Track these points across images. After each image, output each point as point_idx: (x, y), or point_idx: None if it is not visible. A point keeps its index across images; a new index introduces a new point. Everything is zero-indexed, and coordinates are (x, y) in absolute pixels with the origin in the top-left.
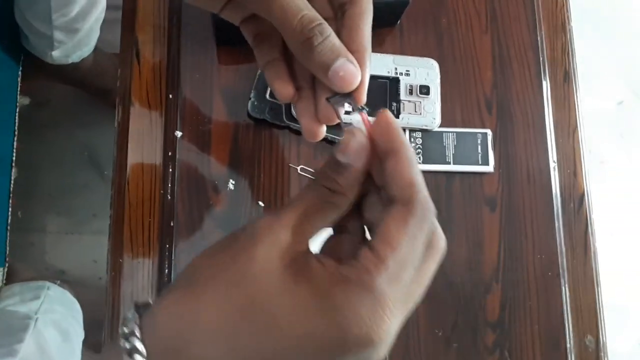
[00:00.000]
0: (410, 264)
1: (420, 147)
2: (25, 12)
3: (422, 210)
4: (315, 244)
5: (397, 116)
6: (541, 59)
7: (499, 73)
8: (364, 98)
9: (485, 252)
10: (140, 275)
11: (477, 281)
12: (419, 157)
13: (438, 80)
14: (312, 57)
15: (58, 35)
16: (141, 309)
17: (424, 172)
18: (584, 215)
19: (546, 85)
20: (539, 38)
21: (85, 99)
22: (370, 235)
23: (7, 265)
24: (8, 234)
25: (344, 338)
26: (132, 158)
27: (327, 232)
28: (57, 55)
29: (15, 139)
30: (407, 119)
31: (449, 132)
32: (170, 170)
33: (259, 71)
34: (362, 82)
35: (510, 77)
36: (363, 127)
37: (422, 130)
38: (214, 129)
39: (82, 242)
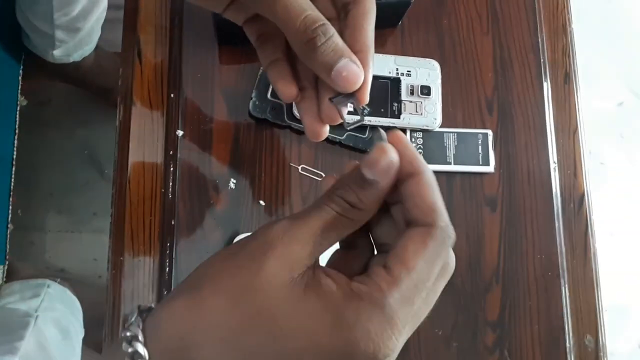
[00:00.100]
0: (424, 287)
1: (421, 147)
2: (27, 11)
3: (443, 236)
4: (321, 257)
5: (398, 116)
6: (542, 60)
7: (500, 74)
8: (366, 98)
9: (486, 252)
10: (141, 273)
11: (477, 281)
12: None
13: (439, 81)
14: (315, 58)
15: (59, 34)
16: (144, 313)
17: None
18: (584, 215)
19: (547, 87)
20: (539, 40)
21: (86, 98)
22: (378, 253)
23: (7, 263)
24: (8, 232)
25: (350, 353)
26: (133, 157)
27: (333, 246)
28: (58, 54)
29: (16, 137)
30: (408, 119)
31: (449, 132)
32: (172, 169)
33: (261, 71)
34: (365, 82)
35: (511, 78)
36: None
37: (423, 131)
38: (216, 128)
39: (82, 241)
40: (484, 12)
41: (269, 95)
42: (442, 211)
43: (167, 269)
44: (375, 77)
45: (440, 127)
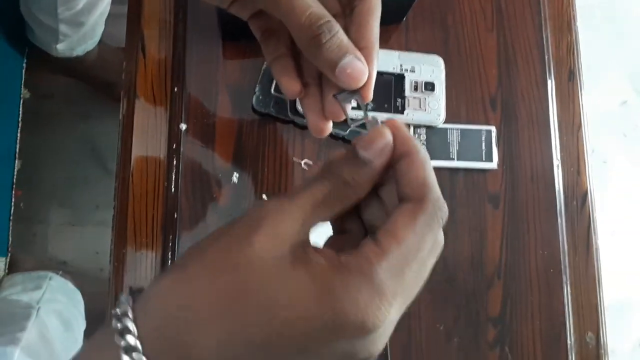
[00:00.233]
0: (415, 260)
1: (425, 143)
2: (31, 5)
3: (434, 209)
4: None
5: (401, 112)
6: (546, 57)
7: (504, 71)
8: (370, 95)
9: (488, 248)
10: (143, 266)
11: (479, 276)
12: None
13: (443, 77)
14: (320, 54)
15: (63, 28)
16: (135, 293)
17: None
18: (587, 213)
19: (551, 84)
20: (544, 37)
21: (89, 92)
22: (371, 236)
23: (9, 255)
24: (11, 224)
25: (339, 323)
26: (137, 151)
27: (327, 233)
28: (61, 48)
29: (19, 130)
30: (412, 115)
31: (453, 128)
32: (175, 163)
33: (264, 66)
34: (369, 79)
35: (515, 75)
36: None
37: (427, 127)
38: (219, 122)
39: (85, 234)
40: (489, 9)
41: (272, 90)
42: (433, 186)
43: (170, 262)
44: (379, 73)
45: (444, 123)
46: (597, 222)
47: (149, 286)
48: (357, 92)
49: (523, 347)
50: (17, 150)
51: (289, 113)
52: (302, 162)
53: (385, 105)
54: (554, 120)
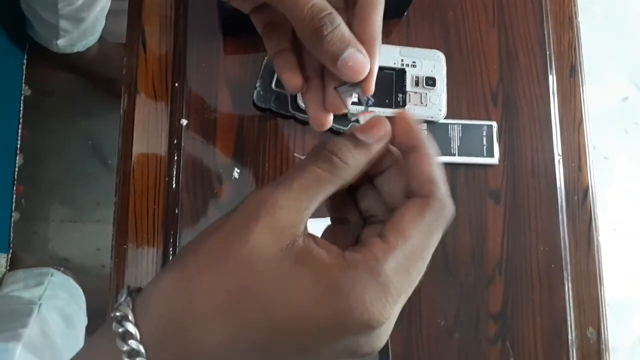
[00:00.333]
0: (420, 257)
1: None
2: (31, 1)
3: (441, 206)
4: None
5: (402, 107)
6: (548, 53)
7: (505, 66)
8: (372, 88)
9: (489, 243)
10: (144, 262)
11: (480, 272)
12: None
13: (444, 72)
14: (322, 47)
15: (64, 24)
16: (133, 293)
17: None
18: (588, 208)
19: (552, 79)
20: (545, 32)
21: (90, 89)
22: (368, 225)
23: (10, 252)
24: (12, 221)
25: (344, 322)
26: (137, 146)
27: (325, 224)
28: (62, 44)
29: (20, 127)
30: (413, 110)
31: (454, 123)
32: (176, 158)
33: (265, 61)
34: (370, 72)
35: (517, 70)
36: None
37: (428, 122)
38: (220, 118)
39: (86, 231)
40: (490, 4)
41: (273, 85)
42: (440, 183)
43: (171, 257)
44: (380, 68)
45: (445, 118)
46: (599, 218)
47: (147, 285)
48: (358, 85)
49: (524, 343)
50: (18, 146)
51: (290, 108)
52: (303, 158)
53: (387, 101)
54: (555, 116)
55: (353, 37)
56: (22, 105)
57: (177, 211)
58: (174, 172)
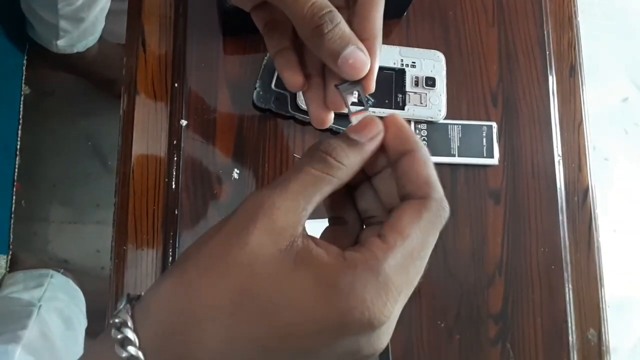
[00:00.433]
0: (419, 257)
1: (425, 139)
2: (31, 1)
3: (437, 208)
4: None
5: (402, 108)
6: (547, 53)
7: (505, 66)
8: (372, 86)
9: (489, 244)
10: (144, 263)
11: (480, 273)
12: None
13: (444, 73)
14: (322, 45)
15: (63, 24)
16: (133, 300)
17: None
18: (588, 209)
19: (552, 80)
20: (545, 32)
21: (90, 89)
22: (367, 226)
23: (10, 253)
24: (12, 222)
25: (345, 322)
26: (137, 146)
27: (323, 225)
28: (62, 44)
29: (20, 127)
30: (413, 110)
31: (454, 124)
32: (175, 159)
33: (265, 61)
34: (371, 70)
35: (517, 70)
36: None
37: (428, 122)
38: (219, 118)
39: (85, 232)
40: (490, 4)
41: (273, 86)
42: (436, 185)
43: (170, 258)
44: (379, 68)
45: (445, 119)
46: (599, 219)
47: (147, 291)
48: (359, 83)
49: (525, 344)
50: (18, 146)
51: (289, 108)
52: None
53: (386, 101)
54: (555, 116)
55: (353, 35)
56: (22, 105)
57: (176, 212)
58: (174, 173)
